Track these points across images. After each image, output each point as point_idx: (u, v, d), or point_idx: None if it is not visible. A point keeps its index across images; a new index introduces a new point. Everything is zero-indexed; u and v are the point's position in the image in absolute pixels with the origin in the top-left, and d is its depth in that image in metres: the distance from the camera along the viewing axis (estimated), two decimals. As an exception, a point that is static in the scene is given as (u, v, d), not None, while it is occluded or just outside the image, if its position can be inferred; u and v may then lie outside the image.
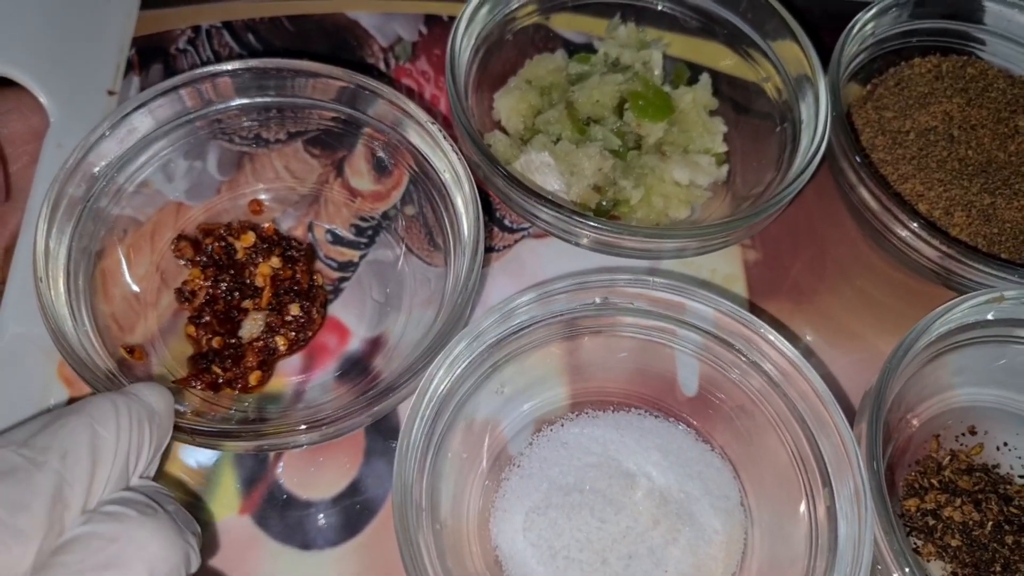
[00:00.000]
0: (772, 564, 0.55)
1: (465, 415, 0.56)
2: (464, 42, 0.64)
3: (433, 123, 0.59)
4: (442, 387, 0.53)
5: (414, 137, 0.61)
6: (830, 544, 0.51)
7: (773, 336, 0.54)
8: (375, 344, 0.62)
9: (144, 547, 0.41)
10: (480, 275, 0.56)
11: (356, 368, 0.61)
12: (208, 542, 0.56)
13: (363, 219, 0.66)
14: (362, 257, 0.65)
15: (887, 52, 0.73)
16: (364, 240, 0.65)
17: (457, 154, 0.58)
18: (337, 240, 0.65)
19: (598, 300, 0.56)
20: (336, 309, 0.63)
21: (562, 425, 0.60)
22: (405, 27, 0.76)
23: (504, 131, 0.68)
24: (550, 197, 0.60)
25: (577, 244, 0.62)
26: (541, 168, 0.63)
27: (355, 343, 0.62)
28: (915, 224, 0.61)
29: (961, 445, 0.63)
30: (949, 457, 0.62)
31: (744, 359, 0.56)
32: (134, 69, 0.72)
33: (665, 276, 0.66)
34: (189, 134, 0.63)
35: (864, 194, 0.63)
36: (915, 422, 0.62)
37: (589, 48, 0.72)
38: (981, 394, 0.63)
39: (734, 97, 0.71)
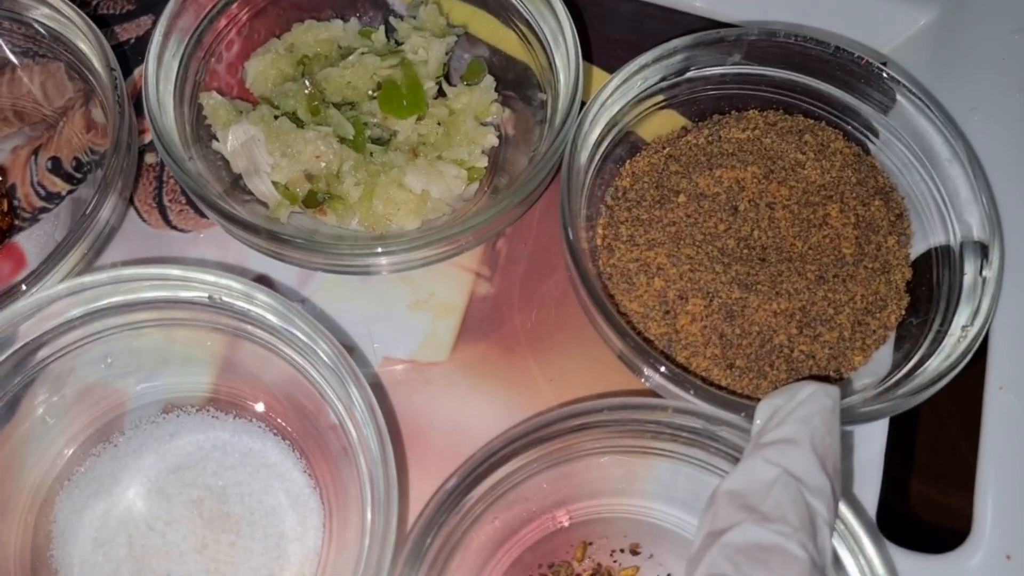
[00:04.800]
0: None
1: (55, 375, 0.53)
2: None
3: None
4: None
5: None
6: None
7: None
8: (40, 281, 0.60)
9: None
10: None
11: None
12: None
13: (89, 152, 0.63)
14: (69, 192, 0.62)
15: (729, 94, 0.61)
16: (79, 176, 0.63)
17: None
18: (56, 169, 0.63)
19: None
20: (22, 238, 0.61)
21: (177, 416, 0.56)
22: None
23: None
24: (214, 198, 0.54)
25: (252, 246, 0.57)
26: (248, 143, 0.58)
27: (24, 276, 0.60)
28: (602, 318, 0.52)
29: (614, 561, 0.54)
30: (591, 572, 0.53)
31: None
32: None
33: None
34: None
35: (574, 272, 0.53)
36: (566, 520, 0.54)
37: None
38: (655, 510, 0.54)
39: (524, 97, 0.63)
